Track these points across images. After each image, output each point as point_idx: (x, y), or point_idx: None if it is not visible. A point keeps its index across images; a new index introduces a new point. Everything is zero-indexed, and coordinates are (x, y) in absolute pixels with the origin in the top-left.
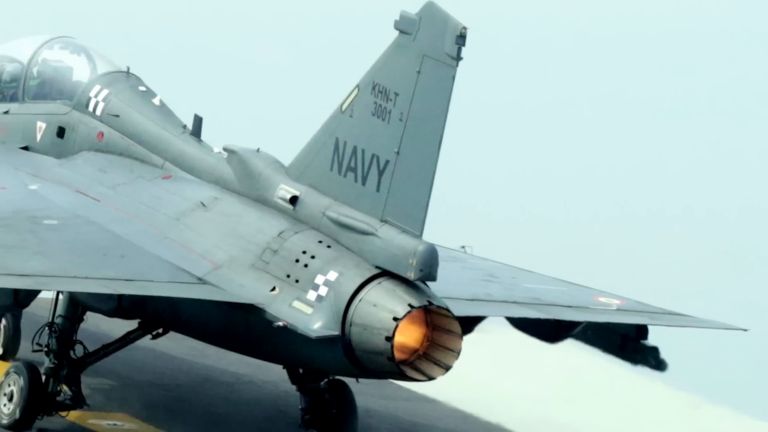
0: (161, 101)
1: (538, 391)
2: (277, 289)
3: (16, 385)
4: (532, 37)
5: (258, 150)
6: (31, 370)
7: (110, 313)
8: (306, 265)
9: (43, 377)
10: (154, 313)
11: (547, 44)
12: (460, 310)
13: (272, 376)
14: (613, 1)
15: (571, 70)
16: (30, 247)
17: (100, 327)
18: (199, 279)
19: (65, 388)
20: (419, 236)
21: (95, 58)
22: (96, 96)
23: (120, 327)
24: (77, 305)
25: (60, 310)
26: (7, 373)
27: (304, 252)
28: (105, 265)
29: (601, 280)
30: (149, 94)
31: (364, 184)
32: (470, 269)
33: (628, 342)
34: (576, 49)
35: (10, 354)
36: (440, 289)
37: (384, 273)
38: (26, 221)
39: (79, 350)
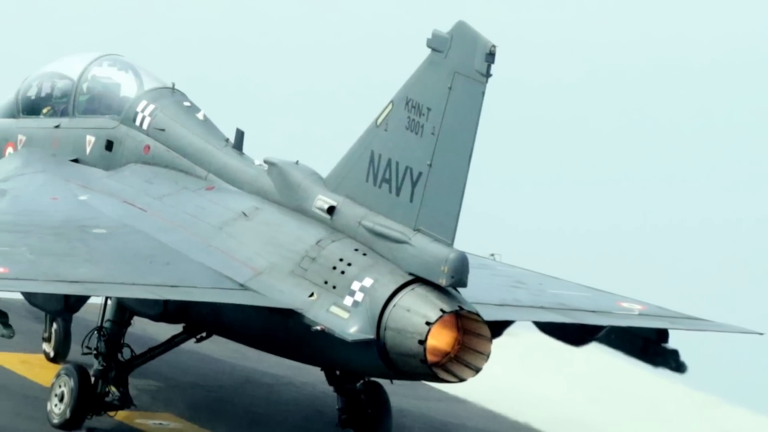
0: (205, 116)
1: (563, 392)
2: (315, 294)
3: (66, 387)
4: (558, 55)
5: (297, 162)
6: (81, 372)
7: (156, 318)
8: (343, 272)
9: (93, 379)
10: (198, 318)
11: (571, 61)
12: (489, 314)
13: (310, 377)
14: (635, 21)
15: (595, 87)
16: (80, 254)
17: (146, 331)
18: (241, 285)
19: (113, 389)
20: (451, 244)
21: (142, 74)
22: (143, 111)
23: (165, 331)
24: (125, 310)
25: (108, 315)
26: (58, 375)
27: (341, 259)
28: (151, 271)
29: (623, 286)
30: (193, 109)
31: (398, 194)
32: (499, 276)
33: (649, 345)
34: (600, 67)
35: (61, 356)
36: (470, 294)
37: (417, 279)
38: (76, 230)
39: (126, 353)
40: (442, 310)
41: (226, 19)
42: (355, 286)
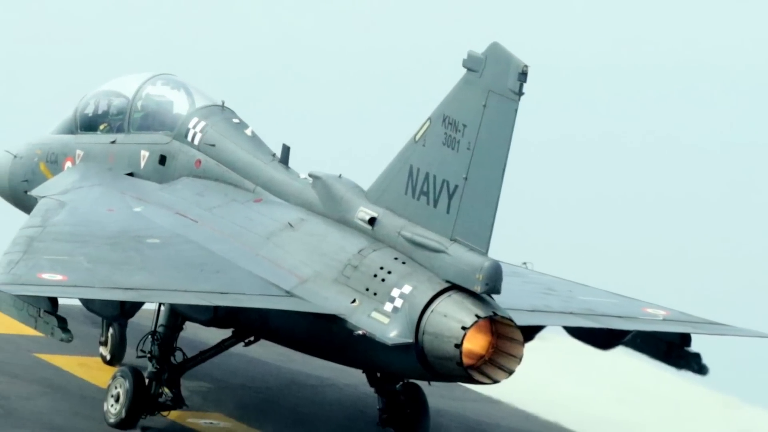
0: (253, 132)
1: (592, 393)
2: (357, 301)
3: (122, 388)
4: (587, 74)
5: (340, 176)
6: (135, 374)
7: (207, 323)
8: (383, 280)
9: (147, 380)
10: (247, 323)
11: (600, 80)
12: (521, 320)
13: (353, 379)
14: (660, 40)
15: (622, 105)
16: (135, 263)
17: (197, 335)
18: (287, 292)
19: (166, 390)
20: (485, 253)
21: (193, 92)
22: (194, 127)
23: (215, 335)
24: (177, 315)
25: (162, 320)
26: (114, 377)
27: (381, 268)
28: (202, 279)
29: (648, 293)
30: (242, 125)
31: (435, 206)
32: (531, 283)
33: (672, 349)
34: (627, 86)
35: (117, 359)
36: (504, 301)
37: (453, 287)
38: (131, 240)
39: (178, 356)
40: (477, 316)
41: (273, 42)
42: (395, 292)
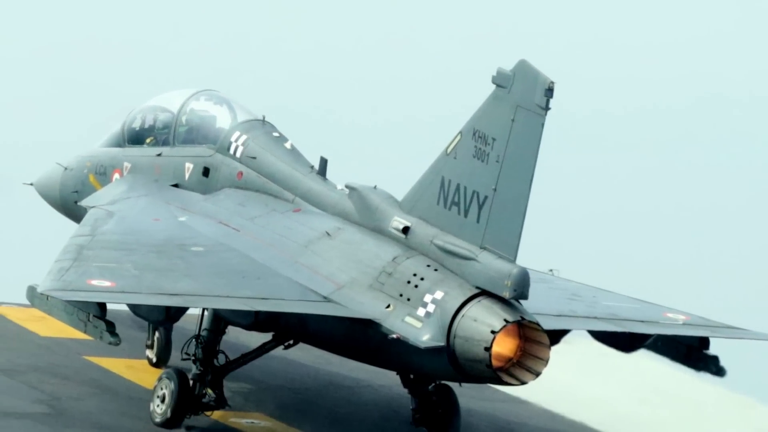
0: (292, 145)
1: (615, 394)
2: (391, 306)
3: (167, 389)
4: (611, 89)
5: (375, 187)
6: (180, 375)
7: (248, 327)
8: (416, 286)
9: (191, 382)
10: (286, 327)
11: (622, 95)
12: (548, 324)
13: (387, 380)
14: (681, 59)
15: (643, 118)
16: (179, 270)
17: (239, 339)
18: (325, 298)
19: (210, 391)
20: (513, 261)
21: (235, 107)
22: (236, 141)
23: (256, 339)
24: (220, 320)
25: (205, 324)
26: (160, 379)
27: (414, 274)
28: (244, 285)
29: (669, 298)
30: (281, 139)
31: (466, 216)
32: (557, 289)
33: (692, 352)
34: (648, 100)
35: (162, 362)
36: (531, 306)
37: (483, 292)
38: (176, 248)
39: (221, 359)
40: (505, 320)
41: (310, 57)
42: (428, 298)
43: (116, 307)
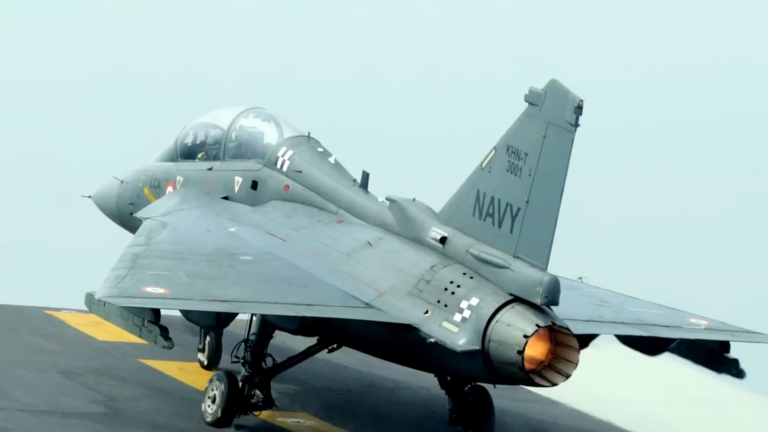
0: (336, 160)
1: (641, 395)
2: (429, 312)
3: (218, 390)
4: (637, 107)
5: (414, 199)
6: (230, 377)
7: (294, 332)
8: (453, 293)
9: (240, 383)
10: (330, 332)
11: (648, 112)
12: (577, 329)
13: (425, 382)
14: (702, 77)
15: (668, 135)
16: (229, 278)
17: (286, 343)
18: (366, 304)
19: (258, 392)
20: (545, 269)
21: (282, 124)
22: (283, 155)
23: (302, 343)
24: (268, 325)
25: (254, 329)
26: (211, 380)
27: (451, 282)
28: (290, 292)
29: (692, 304)
30: (326, 154)
31: (500, 227)
32: (586, 296)
33: (713, 355)
34: (673, 117)
35: (213, 365)
36: (561, 312)
37: (516, 299)
38: (226, 257)
39: (269, 361)
40: (537, 325)
41: (353, 77)
42: (464, 304)
43: (169, 312)
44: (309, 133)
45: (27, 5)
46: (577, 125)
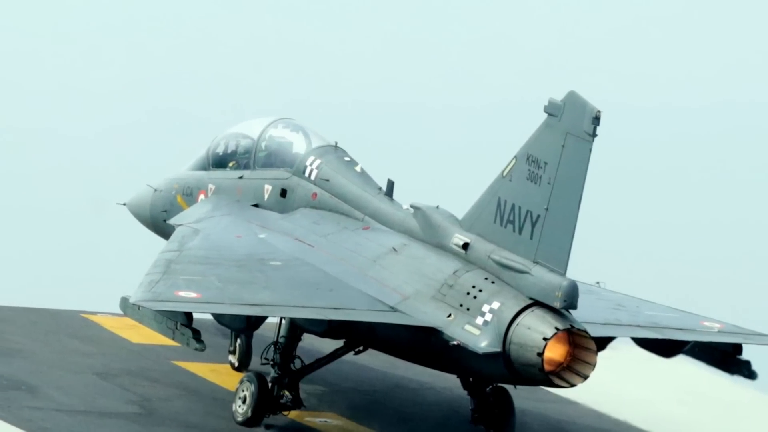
0: (362, 169)
1: (656, 395)
2: (452, 315)
3: (248, 391)
4: (654, 117)
5: (437, 207)
6: (260, 379)
7: (322, 334)
8: (475, 297)
9: (270, 384)
10: (356, 334)
11: (664, 122)
12: (595, 331)
13: (448, 383)
14: (718, 87)
15: (684, 144)
16: (259, 282)
17: (314, 345)
18: (391, 307)
19: (287, 393)
20: (563, 274)
21: (310, 134)
22: (311, 165)
23: (329, 345)
24: (296, 328)
25: (283, 332)
26: (242, 381)
27: (473, 286)
28: (318, 296)
29: (705, 308)
30: (352, 163)
31: (520, 233)
32: (603, 300)
33: (726, 357)
34: (689, 126)
35: (243, 366)
36: (580, 315)
37: (536, 303)
38: (256, 263)
39: (297, 363)
40: (556, 328)
41: (377, 89)
42: (485, 308)
43: (201, 316)
44: (336, 143)
45: (67, 23)
46: (594, 135)
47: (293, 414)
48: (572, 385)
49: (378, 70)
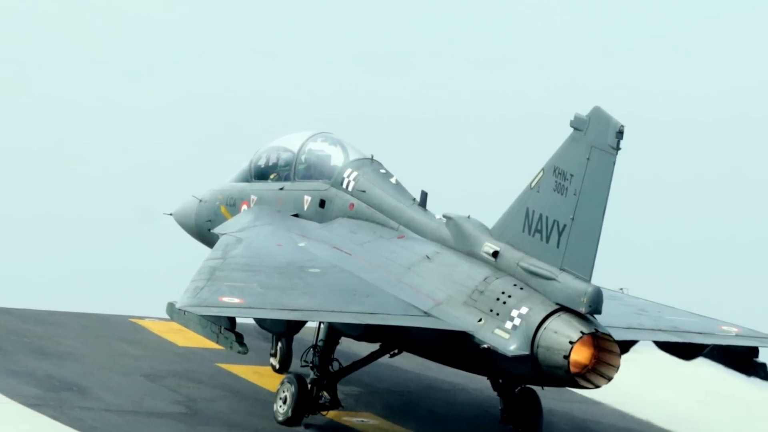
0: (397, 180)
1: (677, 396)
2: (482, 320)
3: (289, 392)
4: (676, 130)
5: (469, 216)
6: (300, 380)
7: (358, 338)
8: (504, 302)
9: (309, 386)
10: (392, 338)
11: (685, 136)
12: (618, 335)
13: (479, 384)
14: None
15: (705, 154)
16: (299, 288)
17: (351, 348)
18: (425, 312)
19: (325, 393)
20: (588, 281)
21: (347, 147)
22: (348, 176)
23: (366, 348)
24: (334, 332)
25: (321, 336)
26: (282, 383)
27: (503, 292)
28: (355, 302)
29: (724, 313)
30: (387, 175)
31: (547, 242)
32: (626, 305)
33: (743, 359)
34: (706, 140)
35: (284, 368)
36: (604, 320)
37: (562, 308)
38: (296, 270)
39: (335, 365)
40: (582, 332)
41: (411, 104)
42: (514, 313)
43: (244, 320)
44: (372, 156)
45: (117, 41)
46: (618, 149)
47: (331, 414)
48: (597, 386)
49: (414, 88)
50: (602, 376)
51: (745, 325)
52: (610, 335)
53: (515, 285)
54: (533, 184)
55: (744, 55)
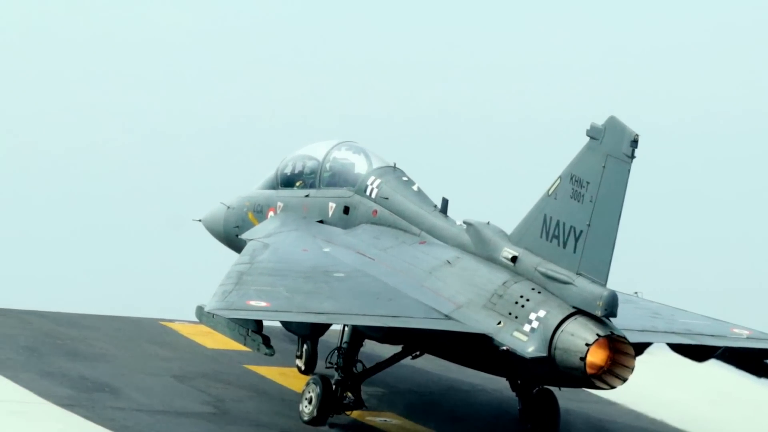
0: (419, 188)
1: (690, 397)
2: (501, 323)
3: (314, 392)
4: (691, 140)
5: (488, 223)
6: (324, 381)
7: (381, 340)
8: (523, 306)
9: (334, 386)
10: (413, 340)
11: (699, 144)
12: (633, 338)
13: (498, 385)
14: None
15: (717, 162)
16: (324, 292)
17: (374, 350)
18: (446, 316)
19: (349, 394)
20: (604, 285)
21: (371, 156)
22: (371, 184)
23: (388, 350)
24: (358, 334)
25: (345, 338)
26: (308, 384)
27: (521, 296)
28: (378, 305)
29: (735, 316)
30: (410, 182)
31: (564, 247)
32: (641, 309)
33: (754, 361)
34: (719, 148)
35: (309, 370)
36: (619, 322)
37: (579, 311)
38: (321, 274)
39: (359, 367)
40: (597, 335)
41: (433, 114)
42: (532, 316)
43: (271, 323)
44: (395, 164)
45: (148, 47)
46: (633, 157)
47: (355, 414)
48: (612, 387)
49: (432, 92)
50: (617, 377)
51: (756, 328)
52: (625, 338)
53: (533, 289)
54: (551, 192)
55: (757, 60)
